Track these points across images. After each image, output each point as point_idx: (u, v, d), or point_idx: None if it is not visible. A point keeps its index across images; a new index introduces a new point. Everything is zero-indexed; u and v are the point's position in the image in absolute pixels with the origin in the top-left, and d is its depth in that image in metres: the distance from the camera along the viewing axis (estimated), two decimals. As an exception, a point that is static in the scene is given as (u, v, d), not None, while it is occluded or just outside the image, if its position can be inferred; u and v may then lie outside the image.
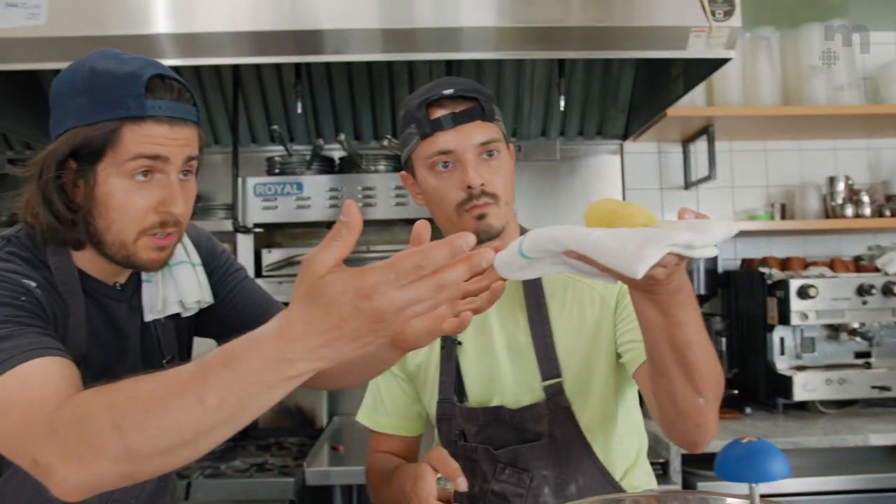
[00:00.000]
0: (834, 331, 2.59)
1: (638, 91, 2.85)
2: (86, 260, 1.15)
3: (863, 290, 2.46)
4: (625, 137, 3.04)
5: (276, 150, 2.99)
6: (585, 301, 1.35)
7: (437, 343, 1.40)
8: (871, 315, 2.49)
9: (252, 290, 1.40)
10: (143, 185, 1.07)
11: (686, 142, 3.03)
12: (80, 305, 1.11)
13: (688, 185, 3.04)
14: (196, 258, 1.30)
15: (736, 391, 2.70)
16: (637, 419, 1.42)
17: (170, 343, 1.28)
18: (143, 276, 1.24)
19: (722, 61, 2.12)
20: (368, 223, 2.83)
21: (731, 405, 2.69)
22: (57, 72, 1.13)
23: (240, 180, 2.65)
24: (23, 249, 1.10)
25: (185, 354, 1.34)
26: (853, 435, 2.28)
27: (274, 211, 2.63)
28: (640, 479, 1.38)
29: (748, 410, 2.65)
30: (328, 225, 2.86)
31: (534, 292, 1.35)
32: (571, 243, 0.85)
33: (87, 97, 1.05)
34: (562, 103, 2.46)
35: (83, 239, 1.11)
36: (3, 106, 2.57)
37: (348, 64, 2.71)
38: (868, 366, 2.54)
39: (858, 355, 2.59)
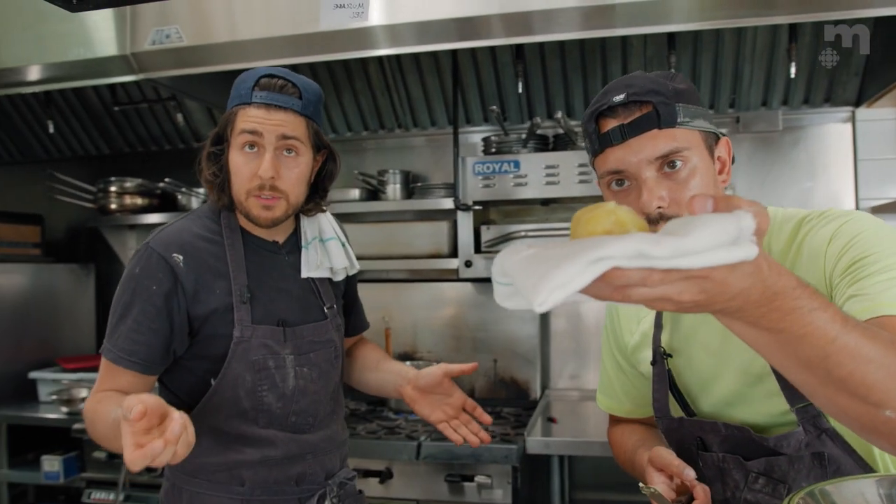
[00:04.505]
0: None
1: (875, 52, 2.64)
2: (245, 220, 1.51)
3: None
4: (857, 104, 2.83)
5: (491, 130, 3.09)
6: None
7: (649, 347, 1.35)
8: None
9: (360, 303, 1.83)
10: (248, 156, 1.43)
11: (931, 105, 2.76)
12: (238, 253, 1.49)
13: (933, 153, 2.78)
14: (344, 238, 1.67)
15: None
16: None
17: (328, 294, 1.61)
18: (303, 242, 1.59)
19: None
20: (585, 199, 2.85)
21: None
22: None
23: (459, 160, 2.76)
24: (209, 212, 1.53)
25: (339, 308, 1.67)
26: None
27: (492, 189, 2.73)
28: None
29: None
30: (543, 202, 2.93)
31: None
32: (509, 267, 0.67)
33: (231, 95, 1.48)
34: (793, 70, 2.33)
35: (230, 198, 1.48)
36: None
37: (561, 42, 2.74)
38: None
39: None
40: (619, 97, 1.13)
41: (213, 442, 1.45)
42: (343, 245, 1.65)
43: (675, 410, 1.32)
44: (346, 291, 1.72)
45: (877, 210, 2.82)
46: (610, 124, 1.14)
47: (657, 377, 1.32)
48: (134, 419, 1.06)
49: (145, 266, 1.42)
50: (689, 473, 1.15)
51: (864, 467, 1.15)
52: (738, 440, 1.22)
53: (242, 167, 1.43)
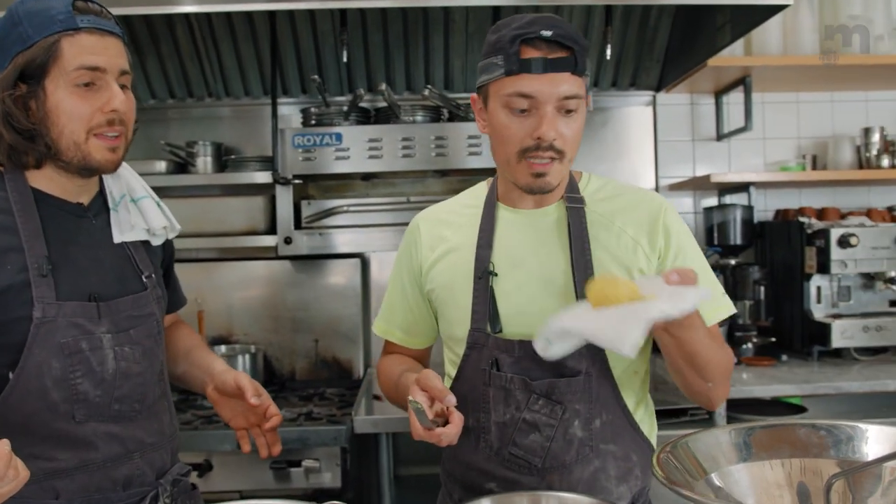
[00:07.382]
0: (870, 280, 2.63)
1: (674, 41, 2.84)
2: (44, 180, 1.30)
3: (902, 240, 2.50)
4: (658, 89, 3.03)
5: (308, 102, 2.97)
6: (628, 250, 1.36)
7: (469, 270, 1.40)
8: (909, 263, 2.53)
9: (176, 275, 1.64)
10: (86, 92, 1.23)
11: (719, 93, 3.02)
12: (32, 219, 1.26)
13: (720, 136, 3.05)
14: (157, 198, 1.48)
15: (773, 339, 2.75)
16: (647, 353, 1.45)
17: (145, 262, 1.42)
18: (111, 203, 1.39)
19: (776, 8, 2.11)
20: (406, 174, 2.82)
21: (767, 353, 2.74)
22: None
23: (279, 132, 2.63)
24: None
25: (159, 278, 1.48)
26: (893, 380, 2.33)
27: (312, 162, 2.62)
28: (646, 412, 1.44)
29: (784, 358, 2.70)
30: (365, 176, 2.86)
31: (579, 236, 1.36)
32: (583, 332, 1.08)
33: (24, 24, 1.21)
34: (608, 53, 2.44)
35: (43, 153, 1.26)
36: None
37: (383, 12, 2.68)
38: (904, 314, 2.59)
39: (894, 304, 2.63)
40: (548, 33, 1.23)
41: (17, 449, 1.24)
42: (158, 204, 1.46)
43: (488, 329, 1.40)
44: (163, 259, 1.53)
45: (673, 187, 3.06)
46: (533, 53, 1.24)
47: (480, 290, 1.38)
48: None
49: None
50: (450, 399, 1.22)
51: (614, 387, 1.36)
52: (529, 359, 1.31)
53: (79, 105, 1.23)
